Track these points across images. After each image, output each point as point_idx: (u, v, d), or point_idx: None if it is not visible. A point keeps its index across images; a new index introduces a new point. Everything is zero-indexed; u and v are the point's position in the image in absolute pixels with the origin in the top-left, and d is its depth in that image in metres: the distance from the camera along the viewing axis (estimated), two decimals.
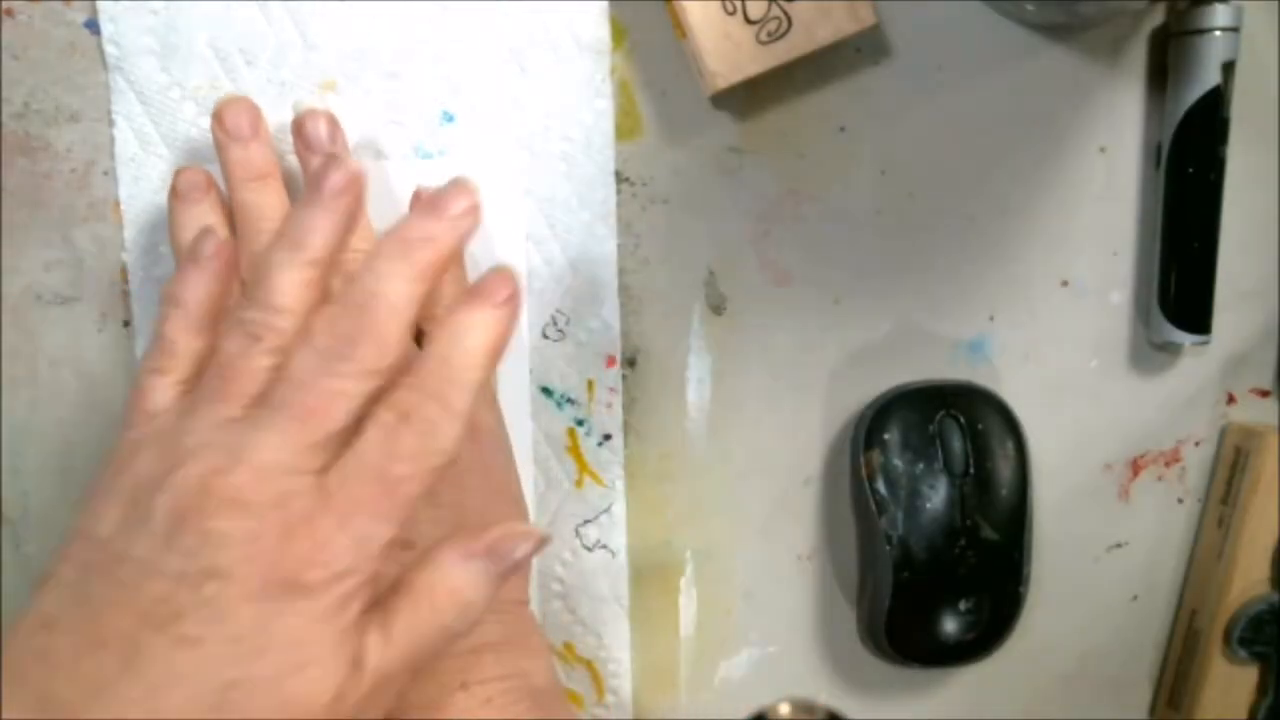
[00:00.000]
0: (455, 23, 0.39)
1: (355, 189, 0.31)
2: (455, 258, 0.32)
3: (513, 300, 0.30)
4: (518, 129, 0.40)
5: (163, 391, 0.31)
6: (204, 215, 0.35)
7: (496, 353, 0.30)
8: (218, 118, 0.35)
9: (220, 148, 0.35)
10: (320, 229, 0.30)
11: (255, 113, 0.36)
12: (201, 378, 0.30)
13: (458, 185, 0.31)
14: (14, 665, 0.27)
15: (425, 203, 0.31)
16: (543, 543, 0.32)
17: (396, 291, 0.29)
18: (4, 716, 0.26)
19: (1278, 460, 0.43)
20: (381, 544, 0.28)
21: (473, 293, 0.30)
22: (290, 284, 0.30)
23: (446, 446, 0.29)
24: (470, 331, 0.30)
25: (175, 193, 0.36)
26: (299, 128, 0.36)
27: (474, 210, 0.31)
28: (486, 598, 0.31)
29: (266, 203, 0.35)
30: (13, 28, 0.37)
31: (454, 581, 0.30)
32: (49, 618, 0.27)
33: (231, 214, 0.36)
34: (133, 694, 0.26)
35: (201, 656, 0.26)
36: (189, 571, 0.27)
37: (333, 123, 0.37)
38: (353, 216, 0.31)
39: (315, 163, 0.35)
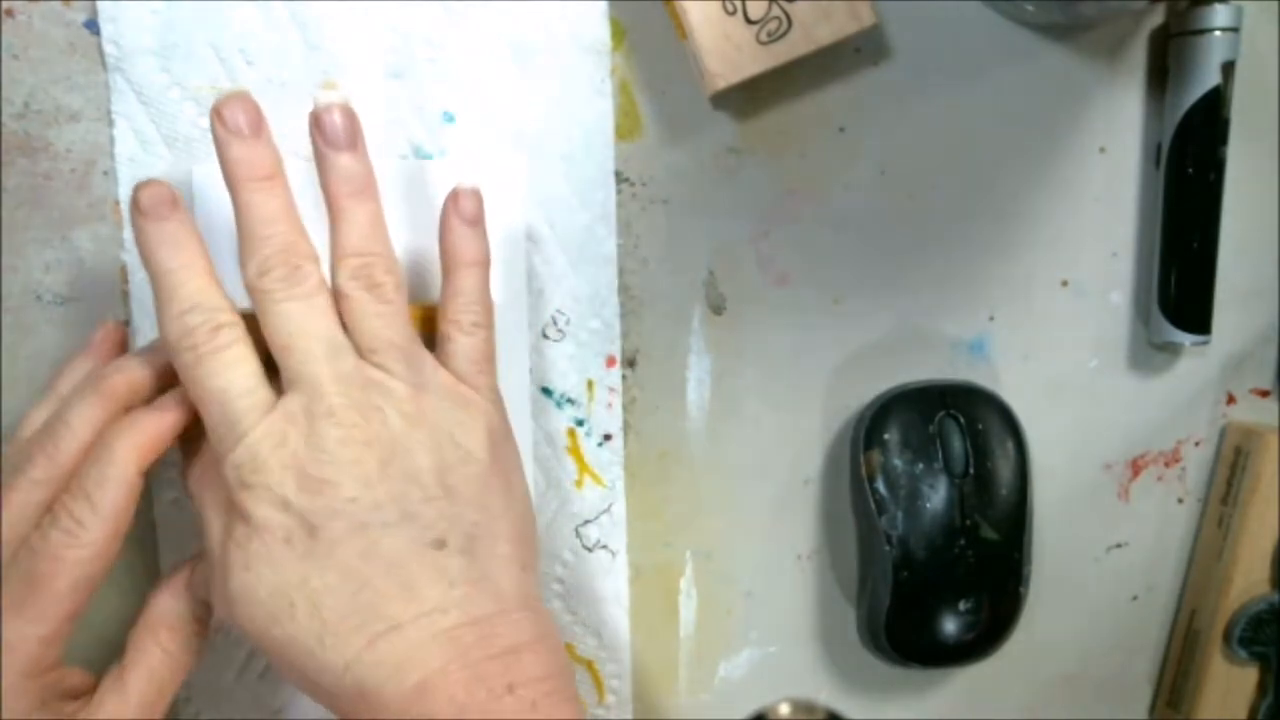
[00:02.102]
0: (455, 22, 0.39)
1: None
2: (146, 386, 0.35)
3: (132, 397, 0.34)
4: (518, 129, 0.40)
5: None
6: (175, 232, 0.33)
7: (144, 452, 0.33)
8: (217, 113, 0.33)
9: (221, 145, 0.33)
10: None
11: (256, 108, 0.34)
12: None
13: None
14: None
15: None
16: None
17: (77, 417, 0.33)
18: None
19: (1278, 460, 0.43)
20: (35, 642, 0.32)
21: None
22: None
23: (94, 540, 0.32)
24: (108, 436, 0.33)
25: (139, 209, 0.33)
26: (316, 122, 0.34)
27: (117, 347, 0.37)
28: None
29: (273, 206, 0.33)
30: (13, 28, 0.37)
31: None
32: None
33: (200, 231, 0.34)
34: None
35: None
36: None
37: (349, 115, 0.35)
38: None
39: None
